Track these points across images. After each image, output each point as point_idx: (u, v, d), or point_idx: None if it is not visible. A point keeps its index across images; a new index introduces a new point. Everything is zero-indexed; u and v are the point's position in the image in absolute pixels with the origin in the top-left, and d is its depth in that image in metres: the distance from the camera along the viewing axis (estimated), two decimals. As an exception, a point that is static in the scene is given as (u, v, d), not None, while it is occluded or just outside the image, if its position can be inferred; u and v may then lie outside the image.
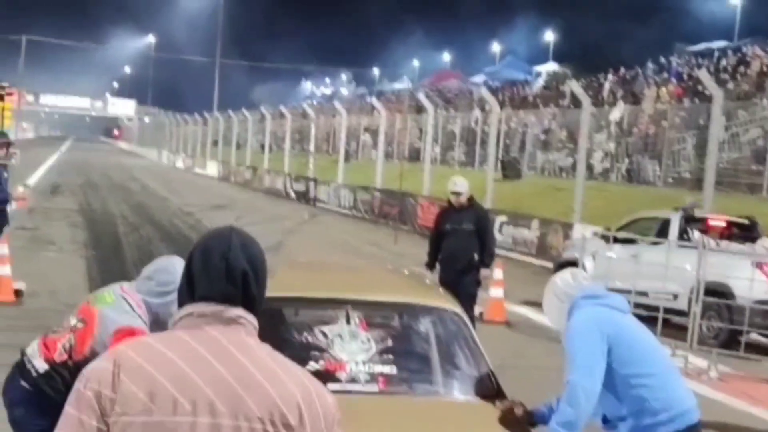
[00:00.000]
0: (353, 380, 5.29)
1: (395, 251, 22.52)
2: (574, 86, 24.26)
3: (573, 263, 16.28)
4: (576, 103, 31.99)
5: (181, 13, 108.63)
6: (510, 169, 32.47)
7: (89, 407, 2.55)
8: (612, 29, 74.74)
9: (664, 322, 13.51)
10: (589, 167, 27.33)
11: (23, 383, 5.24)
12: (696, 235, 14.67)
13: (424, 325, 5.99)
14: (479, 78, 60.39)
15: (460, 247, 11.16)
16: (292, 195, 41.69)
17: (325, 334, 5.49)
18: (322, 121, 52.28)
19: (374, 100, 41.23)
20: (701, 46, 44.05)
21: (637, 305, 14.60)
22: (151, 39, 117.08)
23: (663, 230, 15.19)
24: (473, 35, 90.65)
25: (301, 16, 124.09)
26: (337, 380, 5.22)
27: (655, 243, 14.86)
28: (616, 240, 15.48)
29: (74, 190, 37.59)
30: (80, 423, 2.54)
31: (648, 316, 14.70)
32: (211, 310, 2.70)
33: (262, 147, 52.13)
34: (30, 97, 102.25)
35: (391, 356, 5.48)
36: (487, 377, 5.61)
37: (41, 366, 5.24)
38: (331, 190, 37.78)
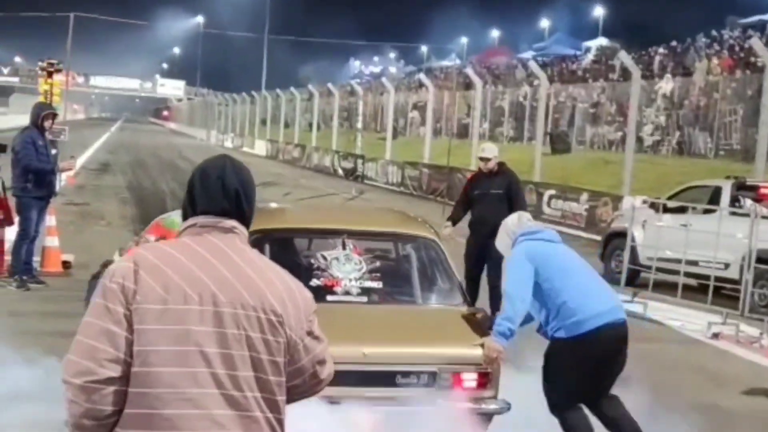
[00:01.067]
0: (347, 293, 6.86)
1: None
2: (624, 57, 23.91)
3: (623, 234, 16.21)
4: (625, 76, 31.66)
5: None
6: (559, 143, 32.24)
7: (115, 297, 3.17)
8: (662, 3, 73.84)
9: (715, 290, 13.38)
10: (639, 140, 27.08)
11: None
12: (748, 203, 14.45)
13: (406, 249, 7.73)
14: (528, 54, 59.94)
15: (488, 211, 11.03)
16: (340, 172, 41.68)
17: (325, 258, 7.00)
18: (370, 98, 52.22)
19: (422, 76, 41.04)
20: (754, 19, 43.38)
21: (688, 274, 14.54)
22: (199, 19, 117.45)
23: (714, 199, 14.97)
24: (522, 12, 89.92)
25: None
26: (334, 293, 6.82)
27: (706, 211, 14.66)
28: (666, 209, 15.29)
29: (124, 168, 37.83)
30: (107, 309, 3.16)
31: (699, 285, 14.69)
32: (211, 221, 3.40)
33: (310, 125, 52.16)
34: (80, 79, 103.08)
35: (378, 274, 7.03)
36: (456, 289, 7.35)
37: None
38: (379, 167, 37.71)
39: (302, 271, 6.61)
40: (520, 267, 6.69)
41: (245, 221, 3.51)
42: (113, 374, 3.17)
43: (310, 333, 3.43)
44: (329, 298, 6.77)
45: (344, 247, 7.07)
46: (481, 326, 6.75)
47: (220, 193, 3.45)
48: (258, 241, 6.42)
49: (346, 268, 6.97)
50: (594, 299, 6.59)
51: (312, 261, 7.01)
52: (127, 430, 3.19)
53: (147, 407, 3.19)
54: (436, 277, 7.50)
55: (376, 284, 6.98)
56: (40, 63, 26.89)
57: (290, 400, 3.45)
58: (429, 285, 7.42)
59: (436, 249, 7.53)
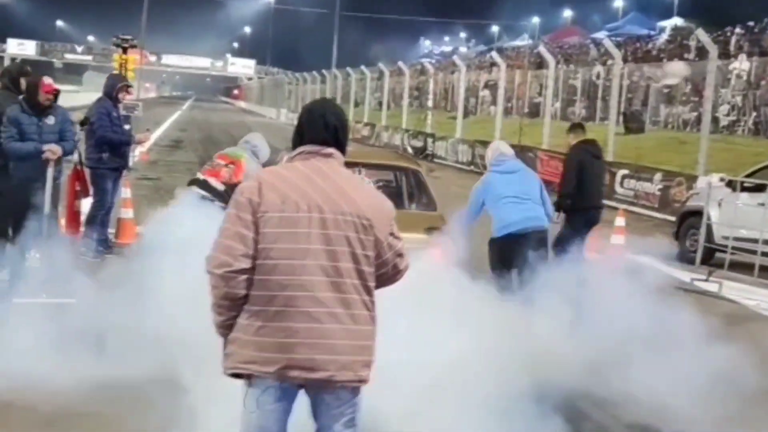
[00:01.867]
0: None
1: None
2: (702, 35, 23.51)
3: (698, 213, 15.96)
4: (701, 56, 31.19)
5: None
6: (633, 123, 31.87)
7: (245, 208, 4.44)
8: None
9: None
10: (715, 120, 26.65)
11: (202, 192, 10.23)
12: (826, 182, 14.17)
13: (398, 175, 12.20)
14: (601, 34, 59.28)
15: None
16: (410, 151, 41.58)
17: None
18: (441, 77, 52.03)
19: (495, 54, 40.74)
20: (833, -2, 42.49)
21: (765, 254, 14.28)
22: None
23: (794, 177, 14.70)
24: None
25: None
26: None
27: (785, 190, 14.39)
28: (743, 188, 15.02)
29: (195, 144, 38.12)
30: (239, 218, 4.43)
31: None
32: (315, 149, 4.64)
33: (380, 104, 52.09)
34: (152, 57, 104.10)
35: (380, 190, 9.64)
36: (432, 202, 11.20)
37: (219, 186, 10.31)
38: (449, 146, 37.57)
39: None
40: (476, 191, 10.29)
41: (341, 149, 4.71)
42: (245, 266, 4.41)
43: (391, 233, 4.66)
44: None
45: (359, 173, 10.40)
46: (443, 221, 10.43)
47: (321, 127, 4.68)
48: None
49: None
50: (510, 216, 9.98)
51: None
52: (252, 306, 4.45)
53: (268, 290, 4.43)
54: (418, 193, 11.60)
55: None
56: (114, 39, 27.15)
57: (377, 286, 4.60)
58: (413, 198, 11.63)
59: (419, 176, 11.81)
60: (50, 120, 10.82)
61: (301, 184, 4.52)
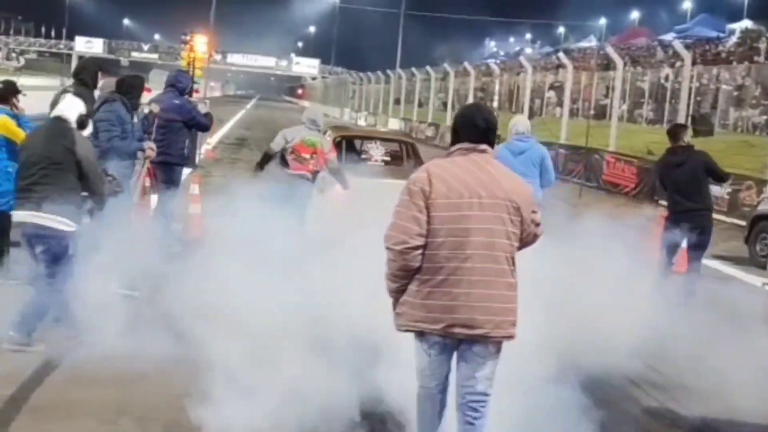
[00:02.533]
0: (376, 160, 15.31)
1: (579, 204, 22.10)
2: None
3: (770, 217, 15.68)
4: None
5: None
6: (701, 126, 31.43)
7: (418, 195, 5.60)
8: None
9: None
10: (786, 124, 26.21)
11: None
12: None
13: (401, 145, 16.32)
14: (669, 36, 58.59)
15: None
16: (474, 151, 41.45)
17: (367, 147, 15.83)
18: (506, 78, 51.79)
19: (562, 55, 40.44)
20: None
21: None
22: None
23: None
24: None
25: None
26: (372, 159, 15.35)
27: None
28: (818, 192, 14.75)
29: (260, 143, 38.22)
30: (413, 203, 5.59)
31: None
32: (471, 146, 5.79)
33: (444, 104, 51.96)
34: (217, 56, 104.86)
35: (389, 155, 15.62)
36: (421, 162, 12.62)
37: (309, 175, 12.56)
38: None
39: (358, 154, 15.61)
40: None
41: (491, 145, 5.83)
42: (419, 243, 5.58)
43: (533, 212, 5.80)
44: (369, 162, 15.16)
45: (375, 143, 15.77)
46: None
47: (475, 128, 5.82)
48: (340, 139, 15.28)
49: (376, 151, 15.59)
50: None
51: (362, 148, 16.00)
52: (422, 276, 5.62)
53: (436, 263, 5.59)
54: (414, 157, 15.38)
55: (387, 158, 15.59)
56: (183, 36, 27.39)
57: (518, 248, 5.78)
58: (409, 159, 15.39)
59: (414, 147, 16.23)
60: (135, 119, 10.94)
61: (462, 175, 5.70)
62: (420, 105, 57.00)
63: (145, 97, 12.17)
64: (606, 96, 39.74)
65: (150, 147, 10.69)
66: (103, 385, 7.42)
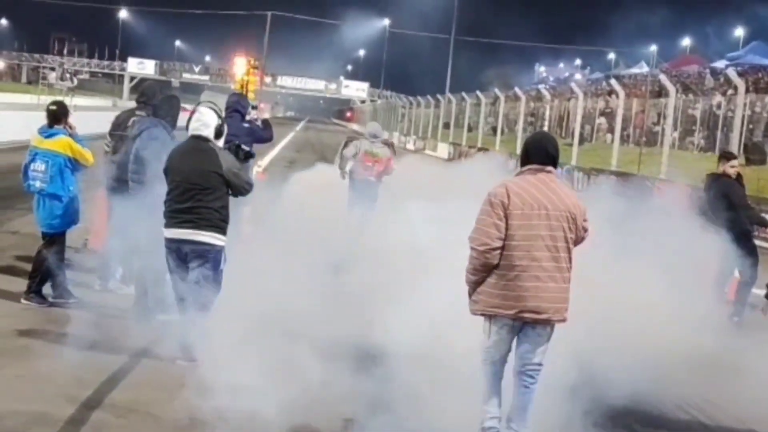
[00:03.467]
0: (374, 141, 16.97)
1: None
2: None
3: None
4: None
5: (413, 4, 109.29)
6: (754, 154, 31.17)
7: (498, 206, 7.08)
8: None
9: None
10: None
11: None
12: None
13: (388, 144, 17.66)
14: (721, 63, 58.15)
15: None
16: (524, 177, 41.27)
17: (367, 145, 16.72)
18: (556, 103, 51.67)
19: (613, 81, 40.31)
20: None
21: None
22: (386, 22, 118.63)
23: None
24: (715, 20, 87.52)
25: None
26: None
27: None
28: None
29: (309, 165, 38.36)
30: (494, 212, 7.08)
31: None
32: (539, 167, 7.22)
33: (494, 129, 51.89)
34: (268, 78, 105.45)
35: (384, 146, 17.03)
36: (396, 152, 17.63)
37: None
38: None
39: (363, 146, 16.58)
40: None
41: (555, 166, 7.32)
42: (498, 245, 7.10)
43: (585, 220, 7.30)
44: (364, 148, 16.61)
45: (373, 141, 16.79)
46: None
47: (542, 152, 7.32)
48: (349, 139, 17.42)
49: (375, 149, 16.57)
50: None
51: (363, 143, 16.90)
52: (499, 271, 7.14)
53: (510, 261, 7.12)
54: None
55: (384, 150, 16.73)
56: (235, 59, 27.60)
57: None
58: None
59: (393, 145, 18.12)
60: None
61: (533, 190, 7.21)
62: (470, 129, 56.96)
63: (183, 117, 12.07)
64: (657, 123, 39.50)
65: None
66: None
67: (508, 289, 7.17)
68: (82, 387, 7.88)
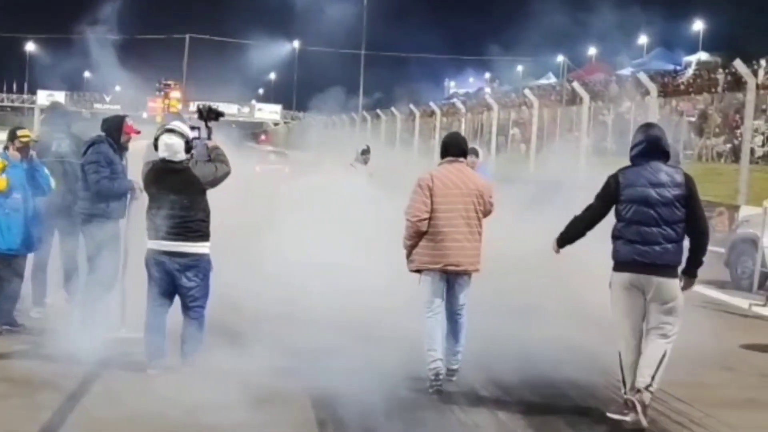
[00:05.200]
0: None
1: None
2: (740, 65, 23.49)
3: (748, 240, 16.11)
4: (730, 88, 31.35)
5: (322, 19, 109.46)
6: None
7: (425, 188, 9.52)
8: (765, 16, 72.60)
9: None
10: (751, 151, 26.78)
11: None
12: None
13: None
14: (627, 71, 59.52)
15: None
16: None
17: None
18: (470, 117, 52.32)
19: (527, 92, 41.09)
20: None
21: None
22: (294, 44, 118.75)
23: None
24: (618, 29, 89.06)
25: (438, 14, 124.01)
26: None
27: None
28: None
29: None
30: (423, 193, 9.51)
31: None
32: (454, 159, 9.77)
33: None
34: (179, 105, 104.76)
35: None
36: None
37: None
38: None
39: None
40: None
41: (465, 157, 9.86)
42: (426, 216, 9.42)
43: (491, 197, 9.67)
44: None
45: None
46: None
47: (456, 147, 9.83)
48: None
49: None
50: None
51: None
52: (428, 236, 9.46)
53: (435, 228, 9.42)
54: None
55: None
56: (157, 84, 27.62)
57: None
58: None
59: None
60: (124, 159, 11.19)
61: (450, 176, 9.62)
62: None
63: (135, 138, 12.19)
64: (569, 131, 40.27)
65: (138, 186, 10.88)
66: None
67: (435, 249, 9.48)
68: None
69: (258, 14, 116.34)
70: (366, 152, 19.35)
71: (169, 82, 24.43)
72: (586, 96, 32.33)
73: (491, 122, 41.33)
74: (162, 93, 24.58)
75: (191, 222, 9.34)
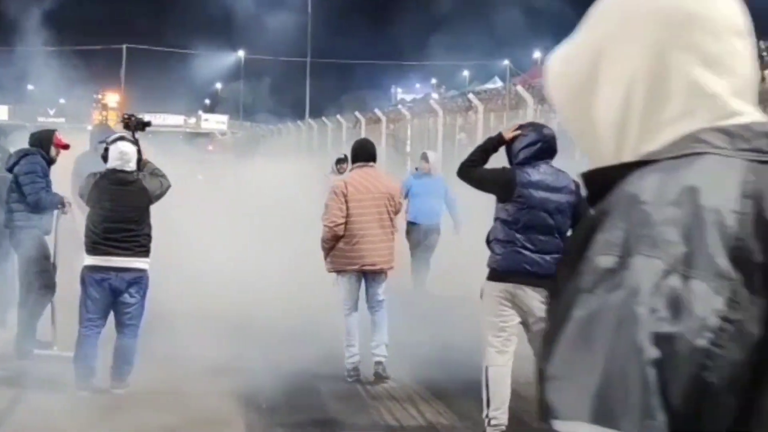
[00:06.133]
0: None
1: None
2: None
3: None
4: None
5: (267, 29, 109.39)
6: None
7: (340, 195, 10.40)
8: None
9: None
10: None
11: None
12: None
13: None
14: (571, 73, 59.59)
15: None
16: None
17: None
18: (416, 122, 52.30)
19: (471, 96, 41.10)
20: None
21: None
22: (240, 53, 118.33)
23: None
24: (560, 30, 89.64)
25: (383, 21, 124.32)
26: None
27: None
28: None
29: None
30: (339, 200, 10.37)
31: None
32: (364, 163, 10.88)
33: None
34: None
35: None
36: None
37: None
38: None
39: None
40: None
41: (374, 161, 10.87)
42: (342, 221, 10.25)
43: (399, 197, 10.90)
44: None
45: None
46: None
47: (366, 153, 10.87)
48: None
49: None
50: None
51: None
52: (344, 240, 10.25)
53: (351, 232, 10.28)
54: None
55: None
56: (95, 96, 27.28)
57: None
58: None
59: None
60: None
61: (362, 180, 10.44)
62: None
63: (65, 153, 11.97)
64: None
65: (67, 201, 10.70)
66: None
67: (352, 252, 10.23)
68: None
69: (202, 24, 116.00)
70: (342, 161, 19.22)
71: (103, 95, 24.05)
72: (530, 99, 32.35)
73: (437, 128, 41.22)
74: (99, 105, 24.23)
75: (139, 236, 9.16)
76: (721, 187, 1.52)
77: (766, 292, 1.46)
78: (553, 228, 7.91)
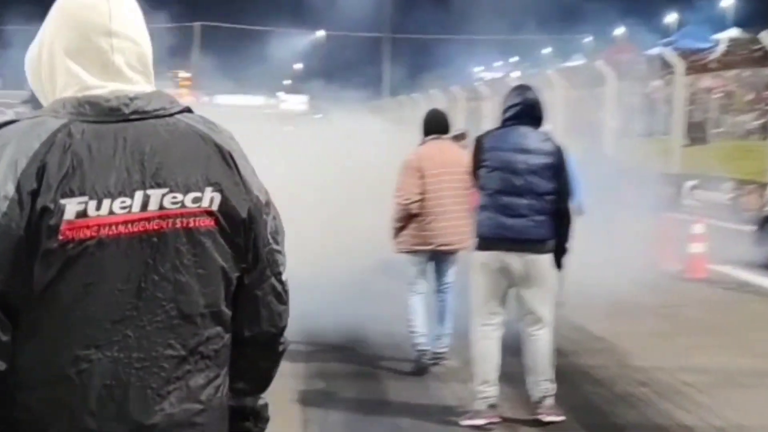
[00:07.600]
0: None
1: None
2: (765, 39, 22.60)
3: (779, 217, 15.36)
4: (763, 63, 30.50)
5: (346, 8, 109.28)
6: (696, 133, 31.23)
7: (414, 169, 9.43)
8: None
9: None
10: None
11: None
12: None
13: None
14: (655, 50, 58.42)
15: None
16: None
17: None
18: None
19: (550, 73, 40.34)
20: None
21: None
22: (321, 32, 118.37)
23: None
24: (646, 7, 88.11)
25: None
26: None
27: None
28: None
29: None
30: (412, 175, 9.40)
31: None
32: (437, 136, 9.73)
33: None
34: (205, 98, 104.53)
35: None
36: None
37: None
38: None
39: None
40: None
41: (447, 133, 9.86)
42: (417, 198, 9.27)
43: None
44: None
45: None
46: None
47: (439, 125, 9.79)
48: None
49: None
50: None
51: None
52: (417, 218, 9.36)
53: (425, 209, 9.31)
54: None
55: None
56: (169, 74, 27.10)
57: None
58: None
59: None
60: None
61: (436, 153, 9.50)
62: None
63: None
64: (597, 112, 39.51)
65: None
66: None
67: (426, 230, 9.31)
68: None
69: (276, 3, 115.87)
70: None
71: (186, 75, 24.04)
72: (612, 75, 31.54)
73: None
74: (173, 82, 24.26)
75: None
76: (27, 138, 2.33)
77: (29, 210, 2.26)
78: (522, 189, 7.71)
